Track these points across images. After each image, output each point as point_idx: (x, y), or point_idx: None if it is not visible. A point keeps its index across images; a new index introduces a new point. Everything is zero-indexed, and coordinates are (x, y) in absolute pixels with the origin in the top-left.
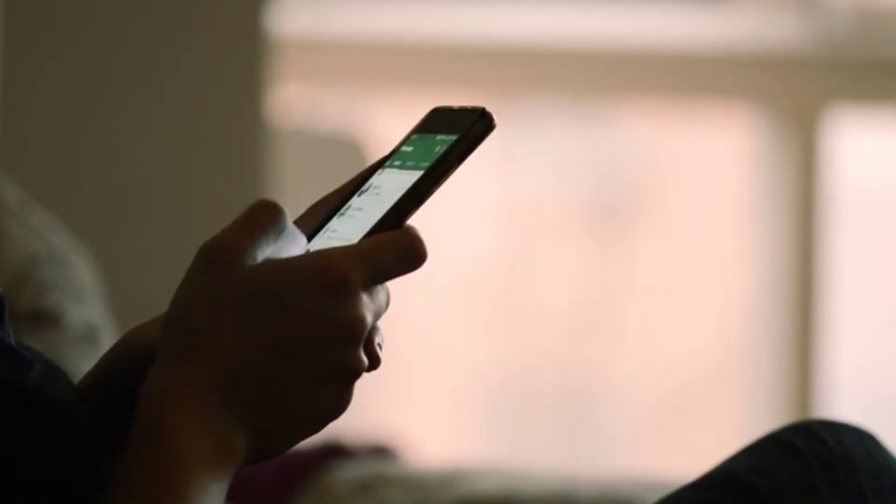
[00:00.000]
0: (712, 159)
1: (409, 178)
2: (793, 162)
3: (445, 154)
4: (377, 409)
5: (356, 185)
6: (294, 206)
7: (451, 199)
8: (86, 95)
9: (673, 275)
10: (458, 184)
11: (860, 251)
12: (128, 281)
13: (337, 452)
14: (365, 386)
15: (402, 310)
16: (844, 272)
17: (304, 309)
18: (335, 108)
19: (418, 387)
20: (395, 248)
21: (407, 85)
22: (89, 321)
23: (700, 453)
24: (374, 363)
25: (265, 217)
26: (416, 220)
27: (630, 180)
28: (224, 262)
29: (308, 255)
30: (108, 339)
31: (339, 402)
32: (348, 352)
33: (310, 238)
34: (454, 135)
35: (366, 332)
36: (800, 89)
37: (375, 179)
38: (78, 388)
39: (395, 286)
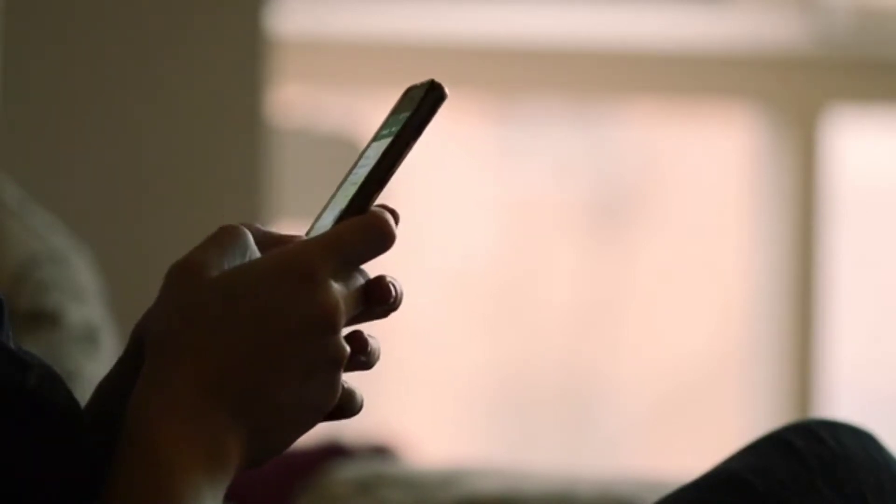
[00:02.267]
0: (712, 159)
1: (374, 161)
2: (793, 162)
3: (399, 133)
4: (377, 409)
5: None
6: (294, 205)
7: (451, 198)
8: (86, 95)
9: (673, 275)
10: (457, 183)
11: (860, 251)
12: (128, 281)
13: (337, 452)
14: (365, 386)
15: (402, 310)
16: (844, 272)
17: (275, 305)
18: (335, 108)
19: (418, 387)
20: (361, 233)
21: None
22: (89, 321)
23: (700, 453)
24: (363, 349)
25: (229, 238)
26: (416, 221)
27: (630, 180)
28: (194, 276)
29: (271, 253)
30: (108, 339)
31: (328, 391)
32: (326, 340)
33: (308, 230)
34: (409, 111)
35: (342, 319)
36: (800, 89)
37: (358, 164)
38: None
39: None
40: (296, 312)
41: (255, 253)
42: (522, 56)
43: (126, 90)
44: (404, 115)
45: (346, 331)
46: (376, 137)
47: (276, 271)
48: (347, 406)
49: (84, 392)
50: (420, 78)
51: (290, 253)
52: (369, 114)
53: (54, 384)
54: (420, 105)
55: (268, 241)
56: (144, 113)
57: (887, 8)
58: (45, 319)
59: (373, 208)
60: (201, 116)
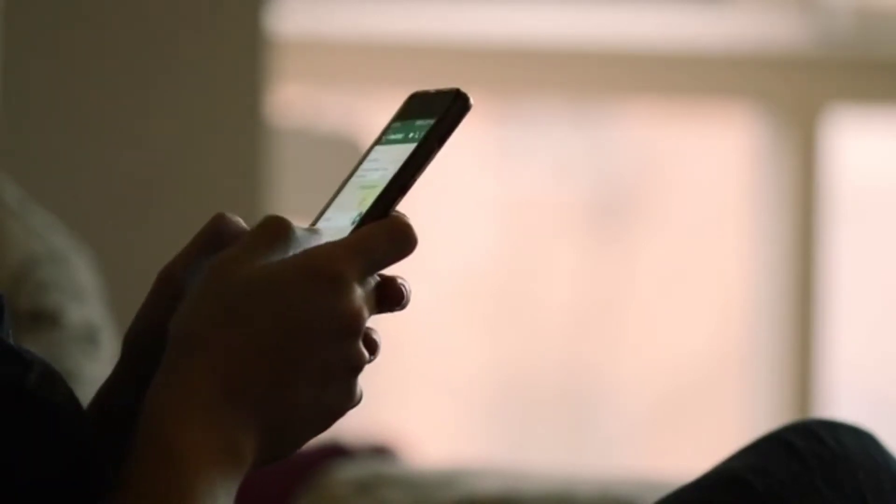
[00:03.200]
0: (712, 159)
1: (392, 165)
2: (793, 162)
3: (424, 139)
4: (377, 409)
5: (350, 173)
6: (294, 205)
7: (451, 198)
8: (86, 95)
9: (673, 275)
10: (457, 183)
11: (860, 251)
12: (128, 281)
13: (337, 452)
14: (365, 386)
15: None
16: (844, 272)
17: (302, 307)
18: (335, 108)
19: (418, 387)
20: (385, 238)
21: (406, 85)
22: (89, 321)
23: (700, 453)
24: (373, 352)
25: (270, 233)
26: (416, 221)
27: (630, 180)
28: (225, 273)
29: (300, 254)
30: (108, 339)
31: (345, 396)
32: (349, 345)
33: (312, 224)
34: (432, 119)
35: (364, 325)
36: (800, 89)
37: (362, 167)
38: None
39: None
40: (321, 315)
41: (301, 242)
42: (522, 56)
43: (126, 90)
44: (425, 122)
45: None
46: (383, 142)
47: (304, 272)
48: None
49: (84, 392)
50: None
51: (317, 254)
52: (369, 114)
53: (55, 382)
54: (447, 113)
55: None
56: (144, 113)
57: (887, 8)
58: (45, 319)
59: (394, 213)
60: (201, 116)
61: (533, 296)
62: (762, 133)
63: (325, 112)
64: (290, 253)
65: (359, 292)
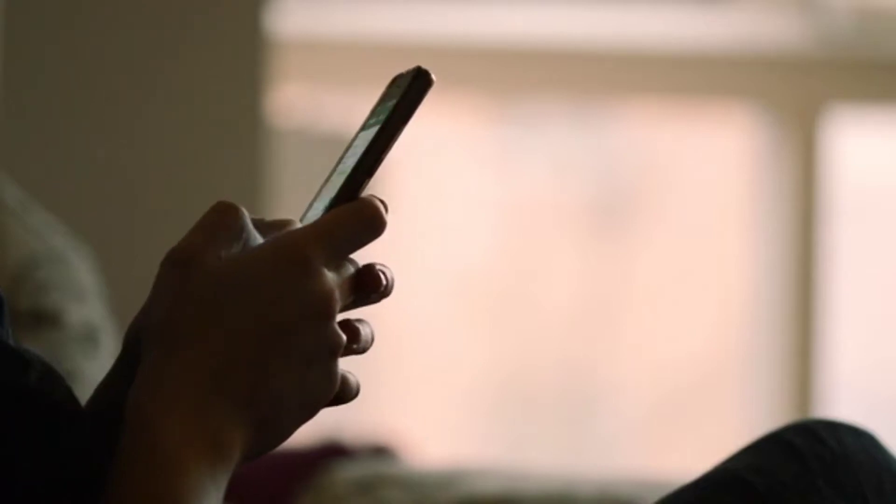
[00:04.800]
0: (712, 159)
1: (362, 149)
2: (793, 162)
3: (387, 120)
4: (377, 409)
5: (337, 160)
6: (294, 205)
7: (451, 198)
8: (86, 95)
9: (673, 275)
10: (457, 183)
11: (860, 251)
12: (128, 281)
13: (337, 452)
14: (365, 386)
15: (403, 310)
16: (844, 272)
17: (272, 294)
18: (335, 108)
19: (418, 387)
20: (352, 220)
21: None
22: (89, 321)
23: (700, 453)
24: (355, 339)
25: (224, 219)
26: (417, 221)
27: (630, 180)
28: (188, 265)
29: (266, 242)
30: (108, 339)
31: (326, 381)
32: (322, 328)
33: (302, 217)
34: (395, 99)
35: (336, 307)
36: (800, 89)
37: (346, 154)
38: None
39: (396, 286)
40: (292, 301)
41: (252, 232)
42: (522, 56)
43: (126, 90)
44: (391, 103)
45: (339, 317)
46: (364, 127)
47: (271, 260)
48: (343, 392)
49: (84, 392)
50: None
51: (283, 241)
52: None
53: (55, 381)
54: (407, 92)
55: (261, 228)
56: (144, 113)
57: (887, 8)
58: (45, 319)
59: (362, 196)
60: (201, 116)
61: (533, 296)
62: (762, 133)
63: (325, 112)
64: (243, 236)
65: (328, 275)
